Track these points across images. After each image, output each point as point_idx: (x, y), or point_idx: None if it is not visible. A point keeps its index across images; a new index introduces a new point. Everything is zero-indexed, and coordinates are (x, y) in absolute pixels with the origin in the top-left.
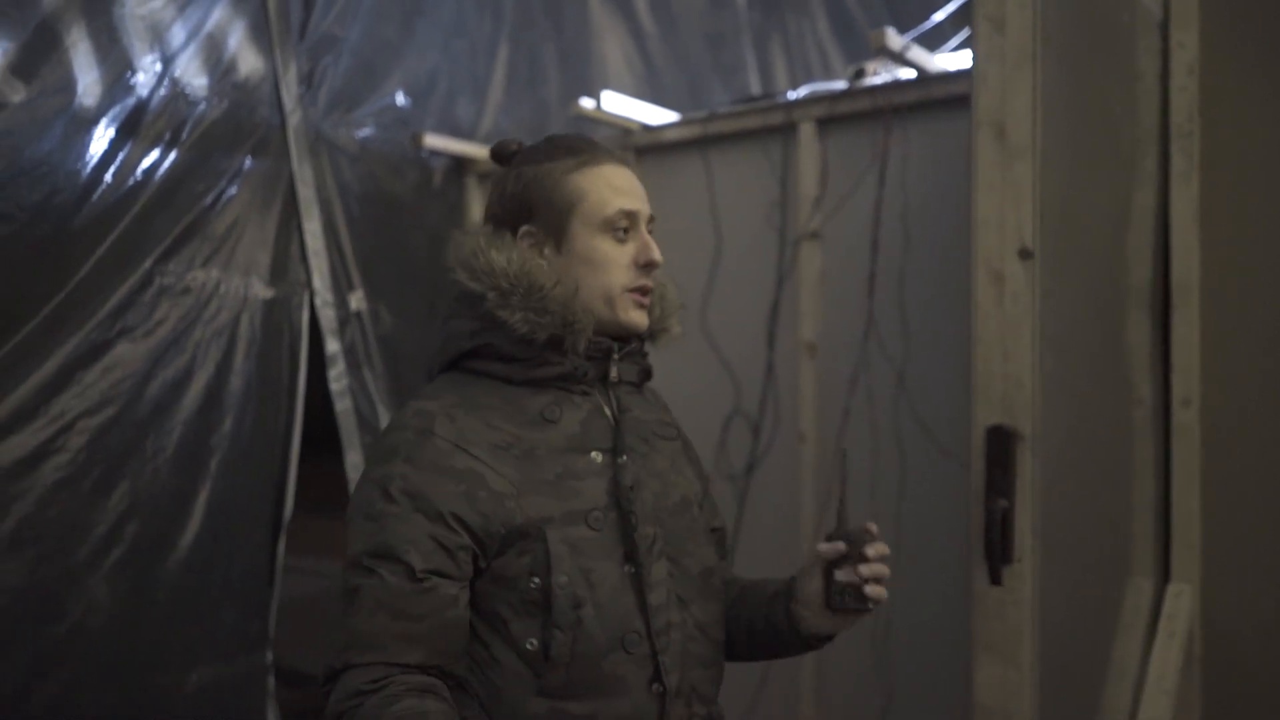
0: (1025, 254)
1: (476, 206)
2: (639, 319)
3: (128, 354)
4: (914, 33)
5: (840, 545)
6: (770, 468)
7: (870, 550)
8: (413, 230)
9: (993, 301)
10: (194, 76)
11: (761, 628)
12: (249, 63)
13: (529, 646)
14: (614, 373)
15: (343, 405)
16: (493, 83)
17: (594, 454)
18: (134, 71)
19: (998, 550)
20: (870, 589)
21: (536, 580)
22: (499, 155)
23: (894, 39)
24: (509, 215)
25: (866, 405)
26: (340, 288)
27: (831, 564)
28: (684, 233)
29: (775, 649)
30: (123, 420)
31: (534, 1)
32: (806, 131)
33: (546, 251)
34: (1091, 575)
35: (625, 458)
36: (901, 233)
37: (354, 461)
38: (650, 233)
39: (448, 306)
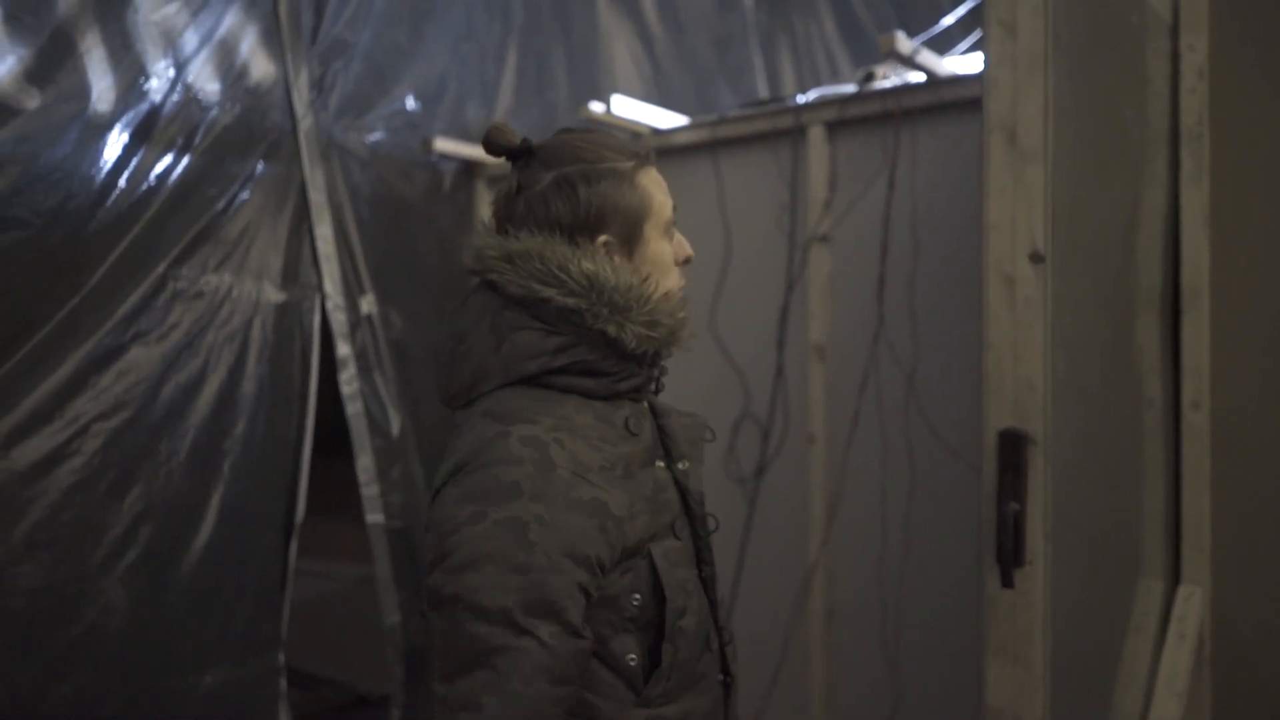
0: (1037, 258)
1: (486, 210)
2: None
3: (142, 358)
4: (923, 36)
5: None
6: (780, 470)
7: None
8: (423, 234)
9: (1004, 305)
10: (206, 82)
11: None
12: (261, 68)
13: (629, 662)
14: (659, 378)
15: (354, 408)
16: (502, 86)
17: (658, 463)
18: (147, 77)
19: (1009, 553)
20: None
21: (638, 597)
22: (502, 148)
23: (903, 42)
24: (584, 223)
25: (876, 408)
26: (351, 291)
27: None
28: (694, 236)
29: None
30: (137, 424)
31: (542, 5)
32: (816, 135)
33: (617, 260)
34: (1102, 577)
35: (686, 464)
36: (910, 236)
37: (365, 464)
38: None
39: (496, 318)
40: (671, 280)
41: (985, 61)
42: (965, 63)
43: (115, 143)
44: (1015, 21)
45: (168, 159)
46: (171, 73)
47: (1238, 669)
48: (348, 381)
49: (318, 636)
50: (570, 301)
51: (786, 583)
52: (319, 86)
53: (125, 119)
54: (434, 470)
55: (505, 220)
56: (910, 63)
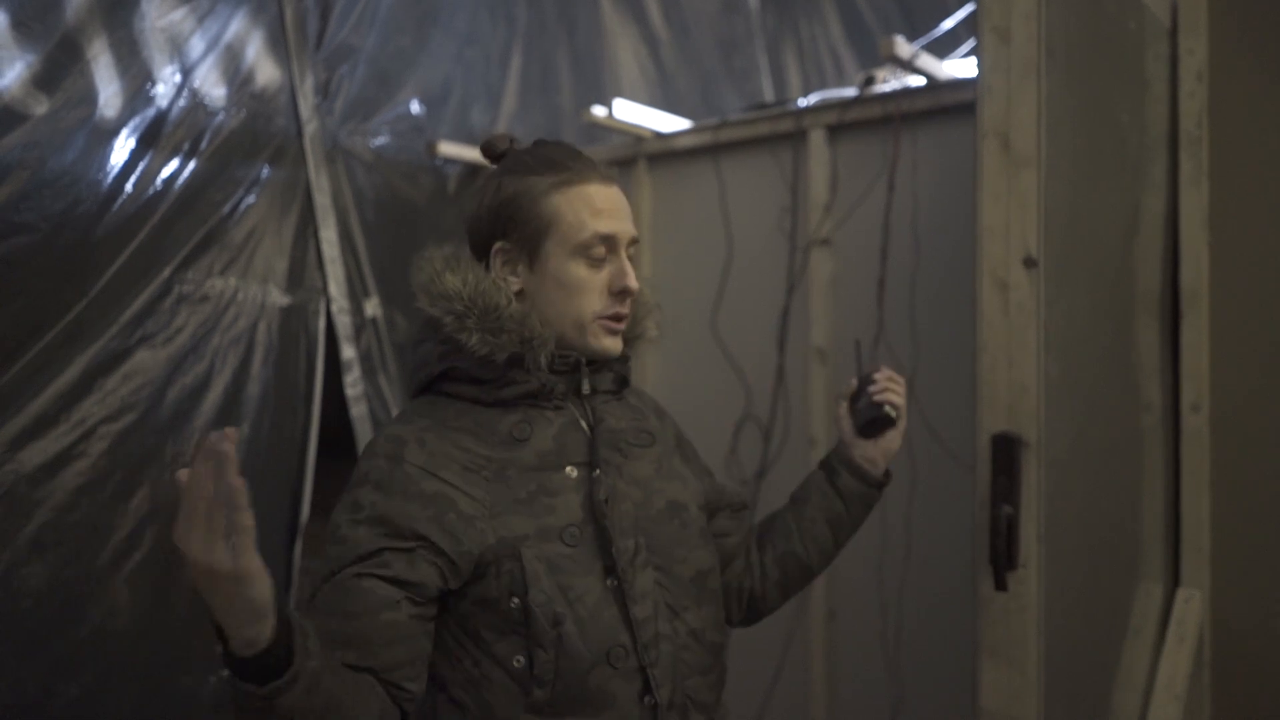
0: (1030, 263)
1: None
2: (611, 345)
3: (148, 361)
4: (924, 40)
5: (853, 383)
6: (781, 472)
7: (877, 375)
8: (427, 237)
9: (997, 310)
10: (213, 87)
11: (819, 518)
12: (266, 73)
13: (516, 664)
14: (586, 385)
15: (358, 410)
16: (506, 90)
17: (569, 469)
18: (154, 83)
19: (1003, 556)
20: (880, 397)
21: (516, 600)
22: (490, 153)
23: (903, 47)
24: (486, 227)
25: None
26: (356, 294)
27: (853, 402)
28: (696, 239)
29: (840, 527)
30: (143, 426)
31: (547, 9)
32: (817, 138)
33: (519, 269)
34: (1100, 580)
35: (598, 471)
36: (911, 239)
37: None
38: (632, 255)
39: (418, 331)
40: (579, 304)
41: (979, 67)
42: (966, 66)
43: (122, 148)
44: (1009, 27)
45: (174, 164)
46: (178, 78)
47: (1237, 672)
48: (353, 384)
49: None
50: (434, 310)
51: None
52: (324, 91)
53: (132, 124)
54: None
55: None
56: (910, 67)
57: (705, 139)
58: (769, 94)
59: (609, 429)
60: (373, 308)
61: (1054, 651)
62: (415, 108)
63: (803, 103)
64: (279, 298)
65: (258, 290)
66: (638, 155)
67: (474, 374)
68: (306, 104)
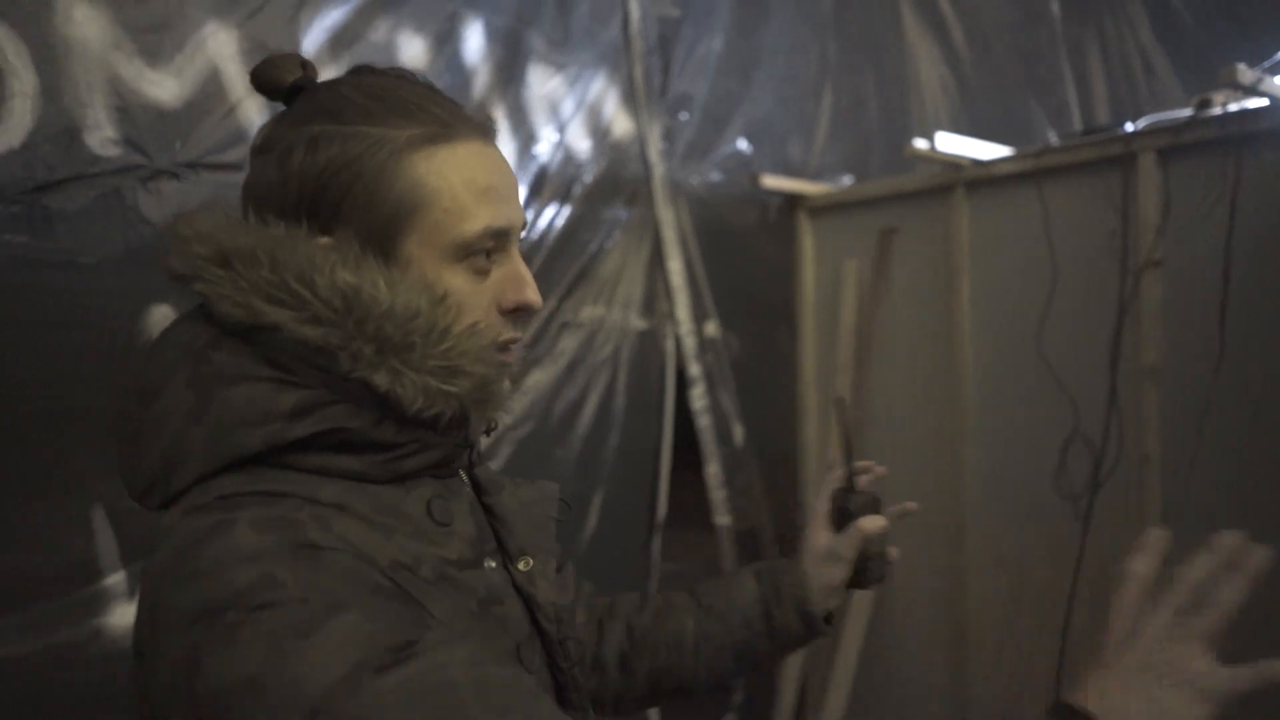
0: None
1: (808, 240)
2: (506, 387)
3: (539, 379)
4: (1268, 63)
5: (838, 474)
6: (1114, 489)
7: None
8: (754, 263)
9: None
10: (579, 141)
11: (728, 648)
12: (621, 125)
13: None
14: (482, 442)
15: (704, 422)
16: (819, 123)
17: (488, 561)
18: (536, 141)
19: None
20: (872, 489)
21: None
22: (272, 83)
23: (1245, 74)
24: (293, 208)
25: (1217, 433)
26: (698, 317)
27: (835, 500)
28: (1016, 262)
29: (751, 663)
30: (537, 435)
31: (854, 39)
32: (1147, 162)
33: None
34: None
35: (530, 562)
36: (1250, 261)
37: (713, 471)
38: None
39: (200, 362)
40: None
41: None
42: None
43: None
44: None
45: (552, 210)
46: (555, 136)
47: None
48: (699, 398)
49: None
50: (312, 333)
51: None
52: (668, 137)
53: (521, 179)
54: (770, 476)
55: (253, 203)
56: (1252, 91)
57: (1026, 165)
58: (1072, 101)
59: (520, 501)
60: (712, 329)
61: None
62: (742, 145)
63: (1130, 127)
64: (637, 323)
65: (620, 317)
66: (956, 183)
67: (367, 438)
68: (654, 150)
